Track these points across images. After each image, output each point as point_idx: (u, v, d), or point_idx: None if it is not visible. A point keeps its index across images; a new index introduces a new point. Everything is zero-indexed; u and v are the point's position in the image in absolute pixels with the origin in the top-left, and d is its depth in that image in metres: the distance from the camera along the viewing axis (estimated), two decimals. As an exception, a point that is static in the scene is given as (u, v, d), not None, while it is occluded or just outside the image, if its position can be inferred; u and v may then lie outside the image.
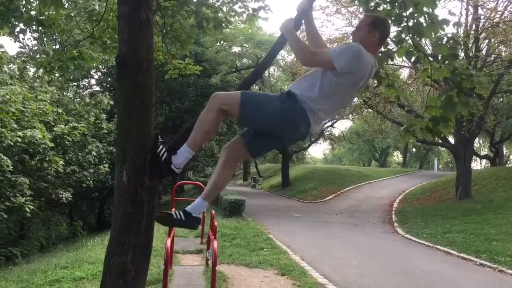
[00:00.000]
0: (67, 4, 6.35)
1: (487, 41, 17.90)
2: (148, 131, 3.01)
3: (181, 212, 2.87)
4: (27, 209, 13.21)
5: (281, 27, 2.92)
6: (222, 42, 26.62)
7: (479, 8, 16.96)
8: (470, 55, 15.53)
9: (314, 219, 15.64)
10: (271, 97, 2.91)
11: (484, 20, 16.98)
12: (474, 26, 16.44)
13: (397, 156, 66.94)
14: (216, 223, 7.20)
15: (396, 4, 3.16)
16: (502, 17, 16.54)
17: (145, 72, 3.03)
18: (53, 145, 14.48)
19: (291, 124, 2.77)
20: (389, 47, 3.43)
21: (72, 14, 8.69)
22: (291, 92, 2.82)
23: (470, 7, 17.30)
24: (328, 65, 2.77)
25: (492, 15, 16.73)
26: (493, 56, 17.64)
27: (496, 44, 17.66)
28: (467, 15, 17.47)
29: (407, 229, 13.30)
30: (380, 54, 3.11)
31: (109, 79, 25.96)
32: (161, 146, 2.90)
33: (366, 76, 2.85)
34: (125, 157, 2.94)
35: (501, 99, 23.46)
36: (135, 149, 2.94)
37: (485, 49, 18.08)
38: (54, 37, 15.44)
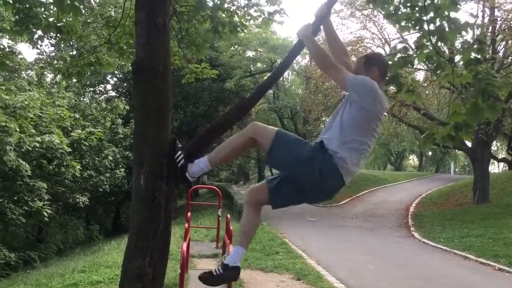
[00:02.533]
0: (84, 11, 6.42)
1: (504, 43, 17.68)
2: (165, 136, 3.04)
3: (219, 268, 2.87)
4: (45, 213, 13.39)
5: (298, 33, 2.92)
6: (236, 46, 26.71)
7: (496, 10, 16.77)
8: (487, 57, 15.35)
9: (329, 223, 15.56)
10: (305, 143, 2.90)
11: (501, 22, 16.78)
12: (490, 28, 16.25)
13: (413, 160, 66.30)
14: (231, 227, 7.21)
15: (417, 8, 3.12)
16: (520, 19, 16.34)
17: (162, 77, 3.06)
18: (70, 150, 14.67)
19: (316, 173, 2.71)
20: (409, 52, 3.40)
21: (89, 21, 8.82)
22: (323, 144, 2.79)
23: (486, 9, 17.12)
24: (341, 83, 2.85)
25: (509, 17, 16.53)
26: (510, 58, 17.43)
27: (513, 46, 17.44)
28: (483, 17, 17.31)
29: (424, 233, 13.15)
30: (396, 59, 3.09)
31: (125, 84, 26.19)
32: (179, 152, 2.92)
33: (381, 112, 2.87)
34: (142, 161, 2.97)
35: (519, 102, 23.10)
36: (153, 153, 2.97)
37: (502, 51, 17.87)
38: (71, 43, 15.68)
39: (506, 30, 16.31)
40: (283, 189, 2.91)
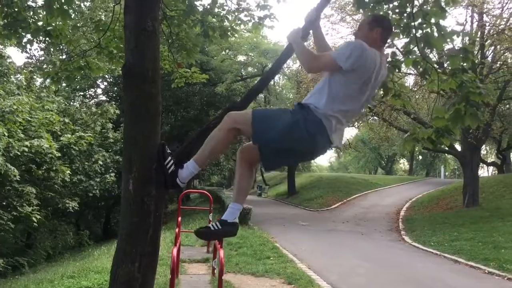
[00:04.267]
0: (73, 15, 6.38)
1: (492, 48, 17.87)
2: (155, 140, 3.01)
3: (217, 223, 2.83)
4: (34, 218, 13.26)
5: (288, 37, 2.91)
6: (227, 51, 26.73)
7: (484, 15, 16.95)
8: (476, 62, 15.48)
9: (321, 228, 15.57)
10: (284, 110, 2.85)
11: (489, 27, 16.96)
12: (479, 33, 16.41)
13: (404, 164, 66.66)
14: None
15: (405, 14, 3.14)
16: (508, 24, 16.50)
17: (151, 82, 3.04)
18: (59, 154, 14.55)
19: (305, 135, 2.68)
20: (396, 57, 3.41)
21: (78, 25, 8.78)
22: (302, 103, 2.78)
23: (475, 14, 17.30)
24: (333, 65, 2.74)
25: (497, 22, 16.71)
26: (498, 63, 17.61)
27: (501, 51, 17.63)
28: (472, 22, 17.49)
29: (414, 237, 13.20)
30: (386, 65, 3.10)
31: (115, 88, 26.11)
32: (169, 158, 2.89)
33: (374, 72, 2.77)
34: (131, 166, 2.95)
35: (507, 106, 23.34)
36: (142, 158, 2.94)
37: (490, 56, 18.05)
38: (61, 47, 15.60)
39: (495, 35, 16.47)
40: (276, 155, 2.83)
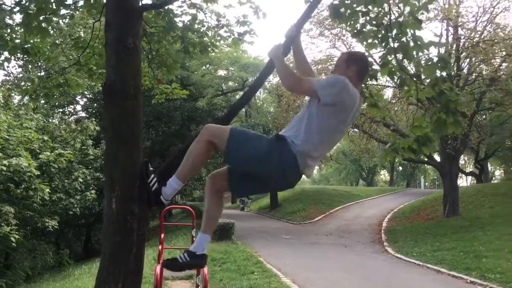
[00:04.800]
0: (52, 31, 6.34)
1: (468, 60, 18.29)
2: (137, 157, 3.00)
3: (185, 254, 2.80)
4: (12, 238, 12.93)
5: (269, 53, 2.94)
6: (207, 65, 26.81)
7: (459, 29, 17.38)
8: (452, 74, 15.82)
9: (304, 241, 15.56)
10: (261, 137, 2.85)
11: (464, 40, 17.38)
12: (455, 45, 16.80)
13: (384, 175, 67.22)
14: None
15: (382, 25, 3.21)
16: (482, 37, 16.95)
17: (132, 99, 3.03)
18: (38, 172, 14.30)
19: (275, 168, 2.68)
20: (373, 67, 3.48)
21: (57, 42, 8.72)
22: (280, 135, 2.77)
23: (450, 28, 17.72)
24: (311, 93, 2.77)
25: (472, 35, 17.14)
26: (474, 74, 18.01)
27: (477, 63, 18.04)
28: (447, 35, 17.89)
29: (397, 248, 13.28)
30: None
31: (95, 104, 25.87)
32: (152, 175, 2.86)
33: (353, 109, 2.83)
34: (113, 184, 2.92)
35: (483, 117, 23.83)
36: (124, 176, 2.93)
37: (466, 68, 18.46)
38: (39, 64, 15.43)
39: (470, 47, 16.88)
40: (245, 182, 2.86)
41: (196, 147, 2.78)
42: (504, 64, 17.23)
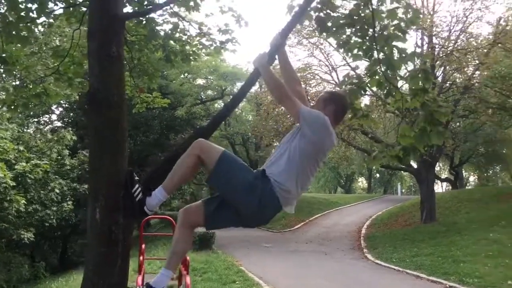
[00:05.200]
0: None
1: (442, 68, 18.67)
2: (121, 166, 2.97)
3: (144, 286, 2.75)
4: (-14, 251, 12.62)
5: (254, 62, 2.95)
6: (186, 74, 26.73)
7: (434, 38, 17.75)
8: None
9: (285, 249, 15.56)
10: (248, 169, 2.86)
11: (439, 49, 17.75)
12: (430, 54, 17.12)
13: (362, 182, 67.86)
14: (188, 258, 7.06)
15: (367, 37, 3.27)
16: (455, 46, 17.34)
17: (116, 107, 3.01)
18: (14, 184, 13.99)
19: (256, 203, 2.70)
20: (362, 79, 3.53)
21: (34, 50, 8.56)
22: (265, 173, 2.78)
23: (425, 37, 18.09)
24: (294, 115, 2.83)
25: (446, 44, 17.52)
26: (448, 82, 18.40)
27: (451, 72, 18.44)
28: (422, 44, 18.26)
29: (376, 255, 13.38)
30: (354, 87, 3.21)
31: (71, 114, 25.48)
32: (137, 185, 2.83)
33: (329, 148, 2.93)
34: (97, 194, 2.89)
35: (457, 124, 24.32)
36: (108, 185, 2.89)
37: (441, 76, 18.85)
38: (14, 72, 15.13)
39: (444, 56, 17.24)
40: (220, 214, 2.85)
41: (186, 161, 2.78)
42: (477, 73, 17.68)
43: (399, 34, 3.18)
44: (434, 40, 17.83)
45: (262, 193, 2.68)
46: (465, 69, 17.51)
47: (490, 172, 41.36)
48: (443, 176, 41.78)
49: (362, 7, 3.20)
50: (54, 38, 14.03)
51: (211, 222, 2.89)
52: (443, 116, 3.01)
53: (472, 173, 48.60)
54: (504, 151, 29.74)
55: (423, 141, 3.13)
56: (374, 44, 3.15)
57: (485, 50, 16.90)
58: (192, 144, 2.80)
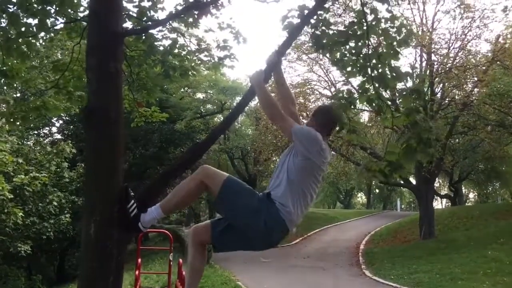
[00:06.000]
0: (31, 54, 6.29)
1: (441, 85, 18.77)
2: (117, 182, 2.98)
3: None
4: (-17, 264, 12.56)
5: (251, 79, 3.00)
6: (186, 88, 26.82)
7: (433, 55, 17.87)
8: (426, 99, 16.20)
9: (283, 264, 15.46)
10: (253, 193, 2.88)
11: (437, 66, 17.85)
12: (428, 71, 17.24)
13: (361, 198, 67.70)
14: (184, 272, 7.03)
15: (361, 55, 3.32)
16: (454, 63, 17.45)
17: (114, 123, 3.03)
18: (12, 196, 13.97)
19: (262, 227, 2.72)
20: (352, 95, 3.57)
21: (35, 63, 8.64)
22: (271, 197, 2.80)
23: (424, 54, 18.21)
24: (287, 133, 2.88)
25: (445, 61, 17.63)
26: (447, 99, 18.47)
27: (450, 88, 18.52)
28: (421, 61, 18.38)
29: (374, 271, 13.31)
30: (343, 101, 3.25)
31: (71, 126, 25.51)
32: (132, 201, 2.85)
33: (325, 162, 2.94)
34: (93, 208, 2.89)
35: (457, 140, 24.35)
36: (104, 200, 2.90)
37: (439, 93, 18.94)
38: (15, 85, 15.21)
39: (443, 73, 17.34)
40: (227, 236, 2.87)
41: (189, 185, 2.82)
42: (475, 90, 17.77)
43: (391, 52, 3.23)
44: (433, 57, 17.95)
45: (267, 216, 2.71)
46: (464, 86, 17.60)
47: (490, 189, 41.24)
48: (443, 192, 41.66)
49: (356, 26, 3.25)
50: (56, 51, 14.13)
51: (219, 246, 2.95)
52: (432, 135, 3.04)
53: (471, 190, 48.48)
54: (503, 168, 29.72)
55: (409, 157, 3.16)
56: (367, 62, 3.19)
57: (484, 68, 17.02)
58: (198, 170, 2.84)
